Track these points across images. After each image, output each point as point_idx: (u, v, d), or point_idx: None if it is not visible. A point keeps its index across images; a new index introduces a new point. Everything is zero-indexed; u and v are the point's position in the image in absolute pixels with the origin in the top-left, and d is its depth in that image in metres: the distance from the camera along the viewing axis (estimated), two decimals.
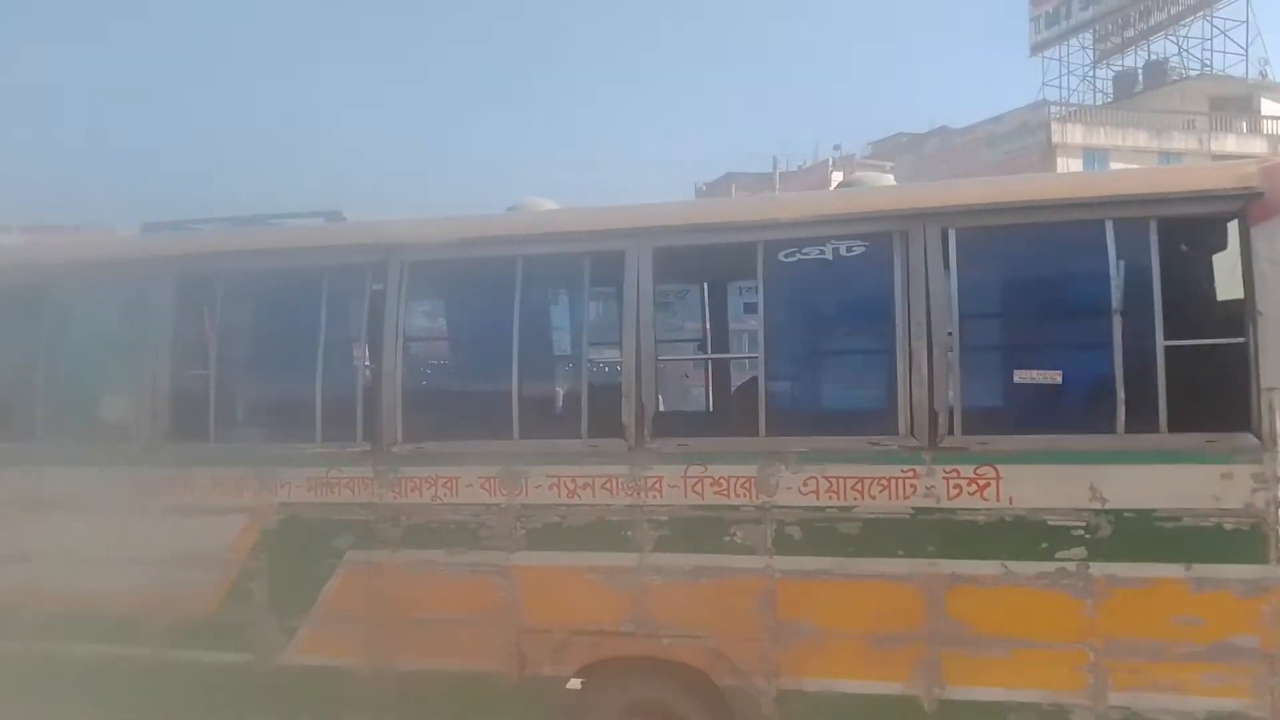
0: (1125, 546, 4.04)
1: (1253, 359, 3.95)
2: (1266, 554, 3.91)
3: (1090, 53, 51.36)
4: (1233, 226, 4.13)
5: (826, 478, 4.32)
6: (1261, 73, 47.60)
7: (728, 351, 6.76)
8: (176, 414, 5.18)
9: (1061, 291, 4.44)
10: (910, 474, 4.24)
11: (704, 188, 51.41)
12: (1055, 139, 42.36)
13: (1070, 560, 4.08)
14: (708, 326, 6.62)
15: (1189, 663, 3.99)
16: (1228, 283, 4.28)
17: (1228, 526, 3.95)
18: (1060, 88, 50.90)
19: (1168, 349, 4.02)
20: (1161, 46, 49.61)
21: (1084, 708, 4.08)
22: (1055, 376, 4.25)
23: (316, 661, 4.93)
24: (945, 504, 4.20)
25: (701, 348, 6.71)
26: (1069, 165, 40.88)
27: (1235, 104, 46.68)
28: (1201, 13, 47.54)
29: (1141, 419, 4.05)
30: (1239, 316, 4.04)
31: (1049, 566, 4.10)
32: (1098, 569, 4.06)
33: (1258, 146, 43.58)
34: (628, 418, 4.56)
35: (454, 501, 4.75)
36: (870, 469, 4.29)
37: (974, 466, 4.17)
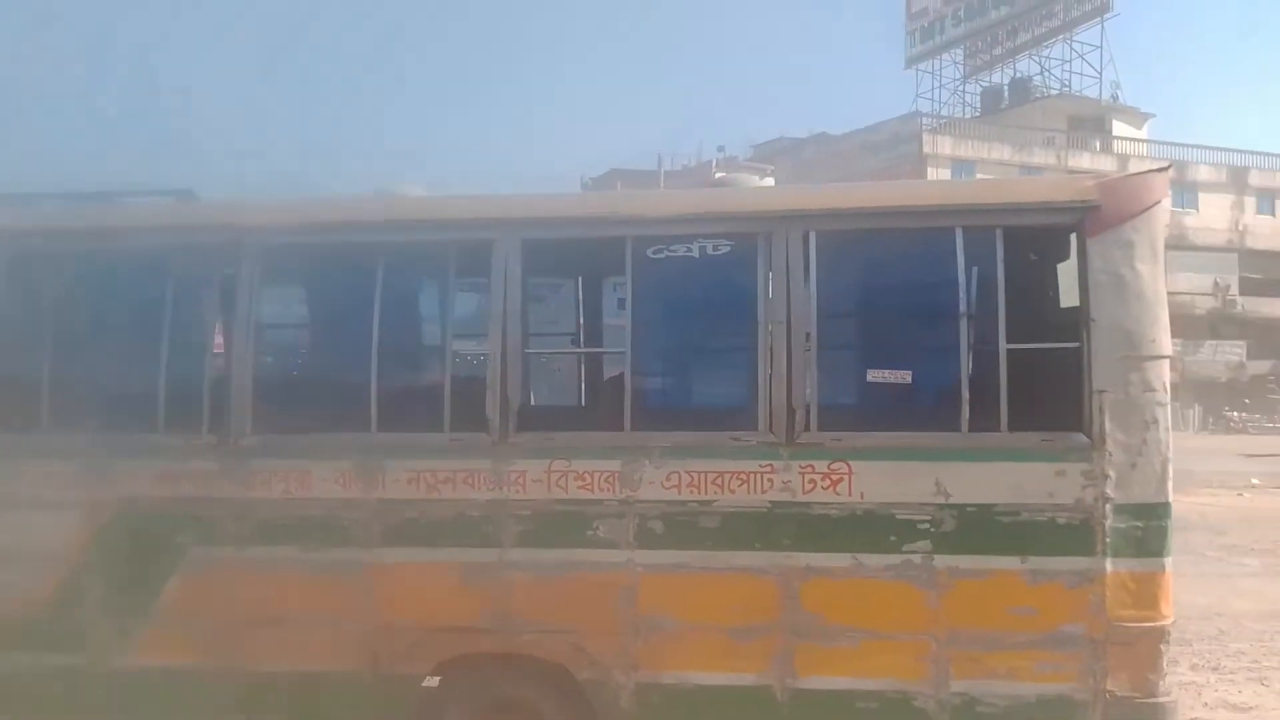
0: (967, 540, 4.21)
1: (1085, 363, 4.18)
2: (1093, 547, 4.16)
3: (961, 68, 53.78)
4: (1073, 237, 4.36)
5: (688, 472, 4.36)
6: (1114, 95, 50.84)
7: (601, 347, 6.73)
8: (5, 402, 4.81)
9: (913, 295, 4.59)
10: (768, 469, 4.32)
11: (590, 183, 51.38)
12: (926, 149, 44.19)
13: (916, 553, 4.23)
14: (581, 321, 6.59)
15: (1023, 651, 4.20)
16: (1070, 290, 4.51)
17: (1060, 521, 4.18)
18: (933, 100, 53.12)
19: (1010, 352, 4.22)
20: (1026, 65, 52.43)
21: (926, 695, 4.24)
22: (906, 376, 4.41)
23: (157, 663, 4.67)
24: (801, 498, 4.30)
25: (575, 342, 6.67)
26: (939, 174, 42.69)
27: (1090, 123, 49.75)
28: (1062, 35, 50.49)
29: (985, 418, 4.24)
30: (1077, 323, 4.27)
31: (896, 559, 4.24)
32: (941, 561, 4.22)
33: (1108, 164, 46.48)
34: (492, 411, 4.49)
35: (306, 496, 4.58)
36: (730, 464, 4.34)
37: (828, 462, 4.28)
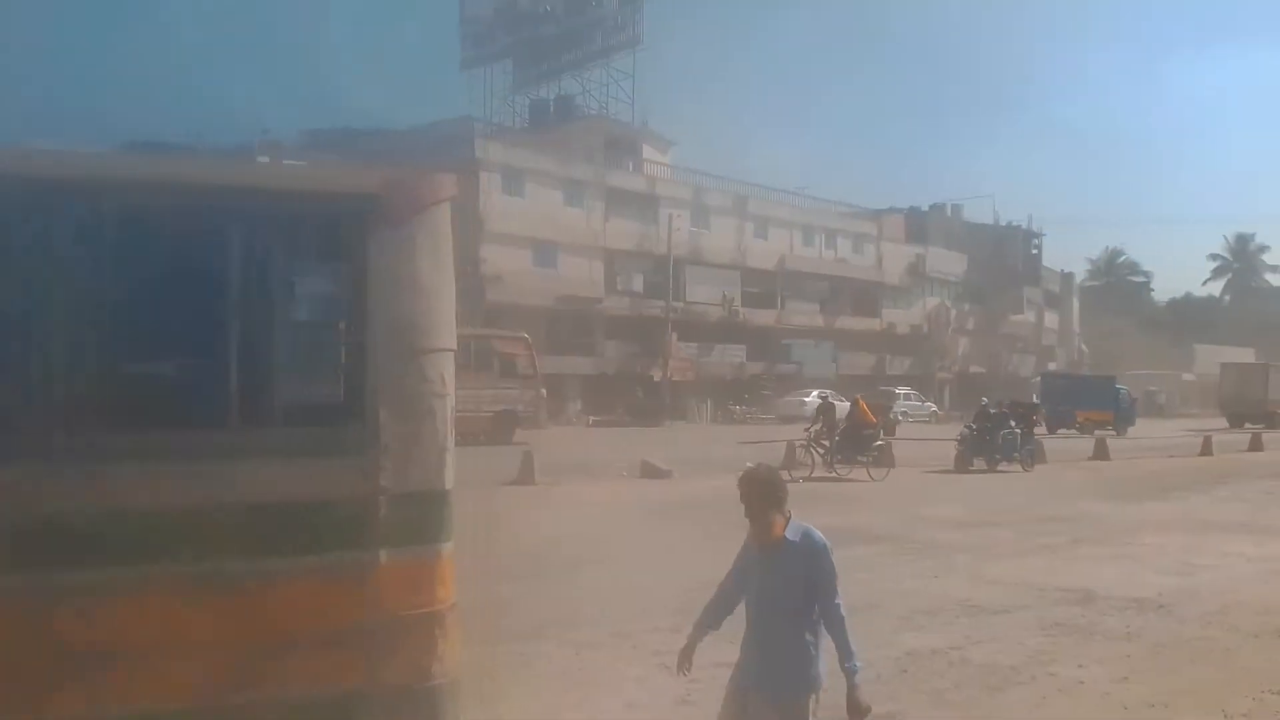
0: (243, 543, 3.92)
1: (366, 356, 4.13)
2: (370, 539, 4.08)
3: (512, 78, 55.90)
4: (358, 230, 4.25)
5: None
6: (643, 121, 56.16)
7: None
8: None
9: (186, 280, 4.11)
10: None
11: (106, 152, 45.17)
12: (479, 154, 45.00)
13: (187, 565, 3.86)
14: None
15: (305, 652, 3.97)
16: (360, 283, 4.40)
17: (338, 515, 4.06)
18: (485, 107, 54.56)
19: (293, 344, 4.09)
20: (570, 85, 55.96)
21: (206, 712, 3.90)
22: (168, 368, 4.06)
23: None
24: None
25: None
26: (491, 180, 43.83)
27: (624, 145, 54.34)
28: (600, 60, 54.60)
29: (260, 413, 4.02)
30: (363, 315, 4.18)
31: (147, 570, 3.82)
32: (228, 568, 3.89)
33: (640, 185, 51.14)
34: None
35: None
36: None
37: None
